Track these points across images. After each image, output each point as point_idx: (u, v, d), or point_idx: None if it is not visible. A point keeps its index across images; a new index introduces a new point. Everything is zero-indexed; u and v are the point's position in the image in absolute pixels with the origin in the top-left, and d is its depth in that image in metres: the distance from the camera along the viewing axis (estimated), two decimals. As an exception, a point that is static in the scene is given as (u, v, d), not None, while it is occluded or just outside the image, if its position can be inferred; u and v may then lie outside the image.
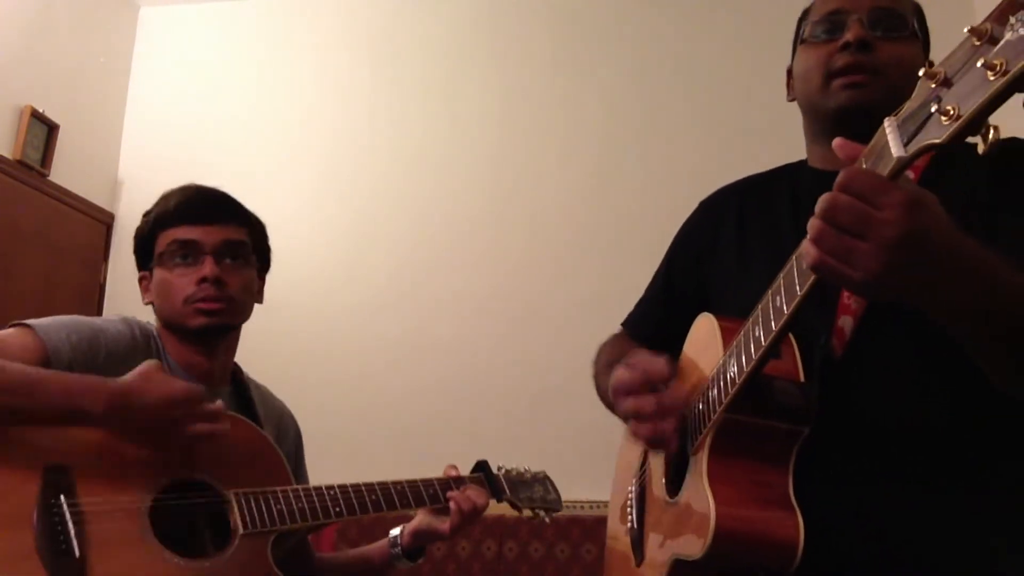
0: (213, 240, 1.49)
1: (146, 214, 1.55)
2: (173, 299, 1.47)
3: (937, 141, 0.69)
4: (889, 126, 0.75)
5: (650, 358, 1.08)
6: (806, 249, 0.80)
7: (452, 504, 1.53)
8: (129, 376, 1.29)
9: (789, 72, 1.31)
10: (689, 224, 1.40)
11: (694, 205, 1.42)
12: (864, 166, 0.78)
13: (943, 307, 0.85)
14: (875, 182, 0.76)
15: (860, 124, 1.16)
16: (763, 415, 1.01)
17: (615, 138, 3.69)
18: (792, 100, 1.29)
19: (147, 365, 1.31)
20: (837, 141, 0.82)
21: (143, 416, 1.28)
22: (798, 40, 1.27)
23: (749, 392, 0.98)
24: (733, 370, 0.99)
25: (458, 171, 3.76)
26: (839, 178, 0.77)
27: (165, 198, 1.54)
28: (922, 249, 0.76)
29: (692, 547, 1.01)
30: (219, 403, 1.35)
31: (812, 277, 0.83)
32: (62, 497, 1.23)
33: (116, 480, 1.28)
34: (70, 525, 1.21)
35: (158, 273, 1.50)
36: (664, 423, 1.04)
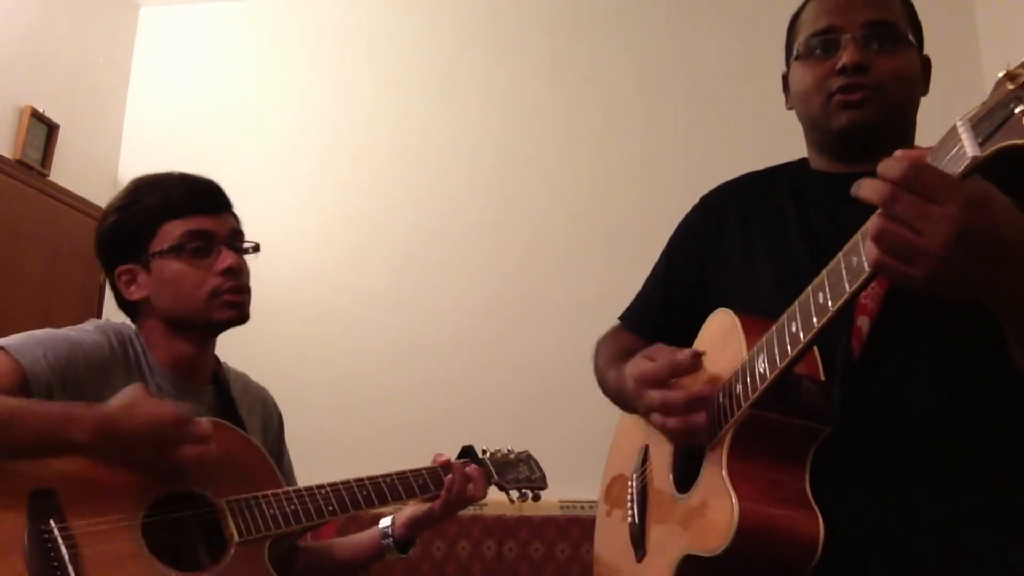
0: (224, 230, 1.48)
1: (131, 205, 1.47)
2: (195, 292, 1.43)
3: (1019, 142, 0.69)
4: (962, 126, 0.75)
5: (673, 349, 1.08)
6: (867, 248, 0.80)
7: (446, 482, 1.55)
8: (114, 401, 1.25)
9: (785, 78, 1.31)
10: (690, 221, 1.39)
11: (691, 207, 1.41)
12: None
13: (1016, 304, 0.85)
14: (937, 177, 0.76)
15: (863, 142, 1.17)
16: (788, 412, 1.01)
17: (614, 138, 3.69)
18: (790, 109, 1.29)
19: (133, 389, 1.27)
20: (901, 152, 0.81)
21: (130, 442, 1.24)
22: (791, 52, 1.26)
23: (776, 389, 0.98)
24: (763, 365, 0.98)
25: (458, 171, 3.76)
26: (901, 173, 0.76)
27: (153, 189, 1.48)
28: (984, 247, 0.76)
29: (709, 543, 1.00)
30: (206, 425, 1.30)
31: (864, 275, 0.83)
32: (51, 522, 1.19)
33: (104, 498, 1.24)
34: (63, 549, 1.17)
35: (168, 264, 1.43)
36: (696, 416, 1.04)
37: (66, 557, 1.17)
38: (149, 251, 1.45)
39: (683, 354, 1.06)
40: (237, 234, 1.51)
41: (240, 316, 1.47)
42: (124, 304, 1.51)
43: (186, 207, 1.46)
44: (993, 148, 0.72)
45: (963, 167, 0.74)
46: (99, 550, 1.20)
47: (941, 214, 0.74)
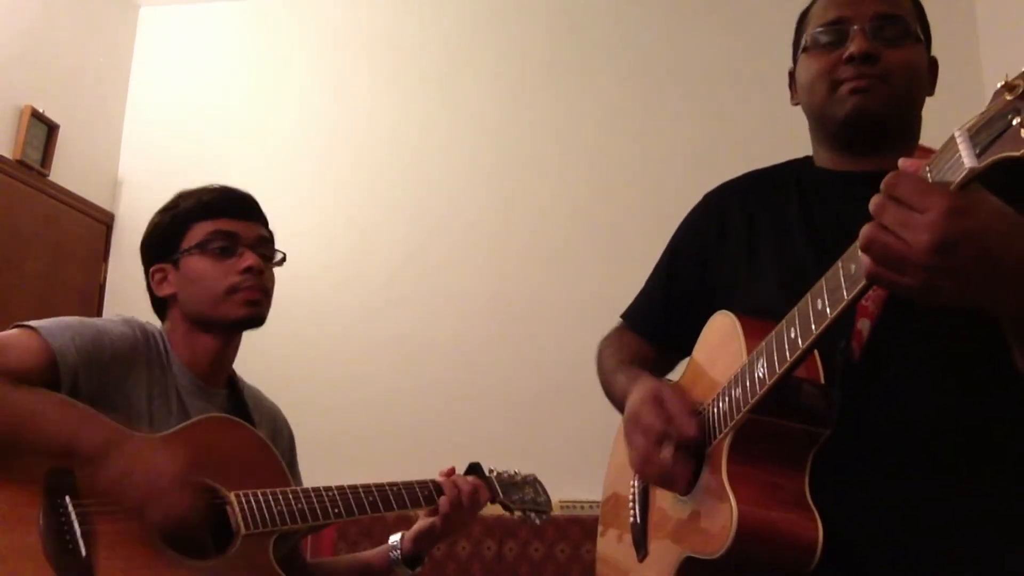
0: (250, 235, 1.52)
1: (168, 209, 1.55)
2: (214, 288, 1.47)
3: (1016, 154, 0.69)
4: (960, 136, 0.74)
5: (684, 414, 1.08)
6: (862, 256, 0.79)
7: (444, 489, 1.56)
8: (127, 449, 1.28)
9: (791, 74, 1.31)
10: (693, 219, 1.39)
11: (693, 206, 1.41)
12: (929, 176, 0.77)
13: (1013, 311, 0.84)
14: (920, 185, 0.75)
15: (868, 131, 1.16)
16: (787, 417, 1.01)
17: (614, 139, 3.70)
18: (796, 104, 1.29)
19: (145, 445, 1.30)
20: (902, 161, 0.81)
21: (123, 478, 1.26)
22: (799, 46, 1.26)
23: (776, 393, 0.98)
24: (762, 370, 0.99)
25: (458, 172, 3.76)
26: (883, 182, 0.77)
27: (192, 195, 1.54)
28: (969, 254, 0.75)
29: (709, 546, 1.01)
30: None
31: (861, 283, 0.82)
32: (67, 498, 1.23)
33: None
34: (76, 525, 1.22)
35: (194, 262, 1.48)
36: (680, 468, 1.06)
37: (79, 533, 1.22)
38: (180, 250, 1.50)
39: (688, 427, 1.07)
40: (264, 241, 1.55)
41: (257, 315, 1.50)
42: (155, 303, 1.55)
43: (216, 209, 1.52)
44: (990, 159, 0.71)
45: (960, 178, 0.74)
46: (110, 528, 1.24)
47: (922, 222, 0.74)
